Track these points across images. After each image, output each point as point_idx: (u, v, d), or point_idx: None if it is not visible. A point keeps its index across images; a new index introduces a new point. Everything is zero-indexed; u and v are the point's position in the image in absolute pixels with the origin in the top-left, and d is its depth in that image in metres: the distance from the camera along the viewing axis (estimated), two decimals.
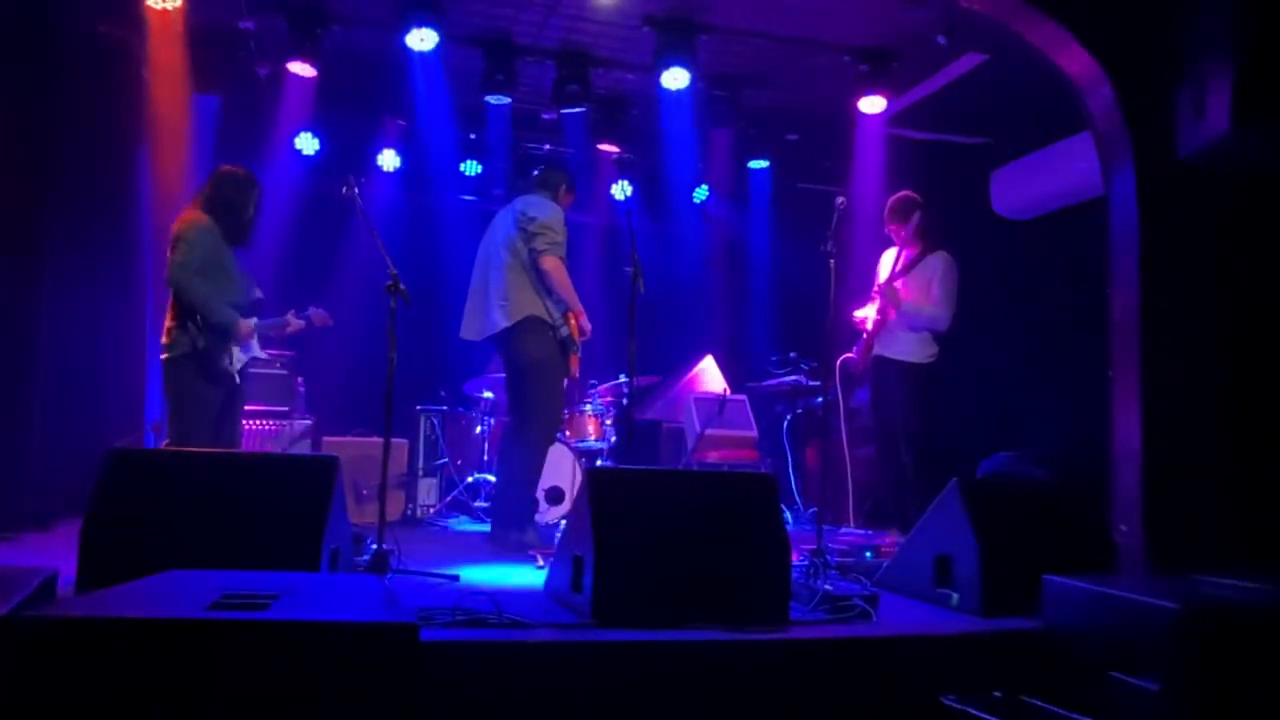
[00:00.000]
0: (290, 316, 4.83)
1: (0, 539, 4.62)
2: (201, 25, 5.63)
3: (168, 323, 4.32)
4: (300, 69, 5.82)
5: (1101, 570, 3.54)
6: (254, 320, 4.54)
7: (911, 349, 5.24)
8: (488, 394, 6.60)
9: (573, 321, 4.83)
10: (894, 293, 5.21)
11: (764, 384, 7.37)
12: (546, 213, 4.82)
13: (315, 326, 4.99)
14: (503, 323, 4.78)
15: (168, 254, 4.30)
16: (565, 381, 4.93)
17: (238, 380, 4.46)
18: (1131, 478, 4.08)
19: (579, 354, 4.93)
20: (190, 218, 4.34)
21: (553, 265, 4.75)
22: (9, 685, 1.79)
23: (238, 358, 4.45)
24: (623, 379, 6.19)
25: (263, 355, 4.83)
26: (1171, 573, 3.61)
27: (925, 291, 5.20)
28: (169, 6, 5.24)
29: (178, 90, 5.92)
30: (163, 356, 4.31)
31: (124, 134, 5.83)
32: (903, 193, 5.47)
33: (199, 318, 4.25)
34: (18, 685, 1.79)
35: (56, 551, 4.16)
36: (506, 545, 4.70)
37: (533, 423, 4.81)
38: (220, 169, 4.62)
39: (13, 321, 4.95)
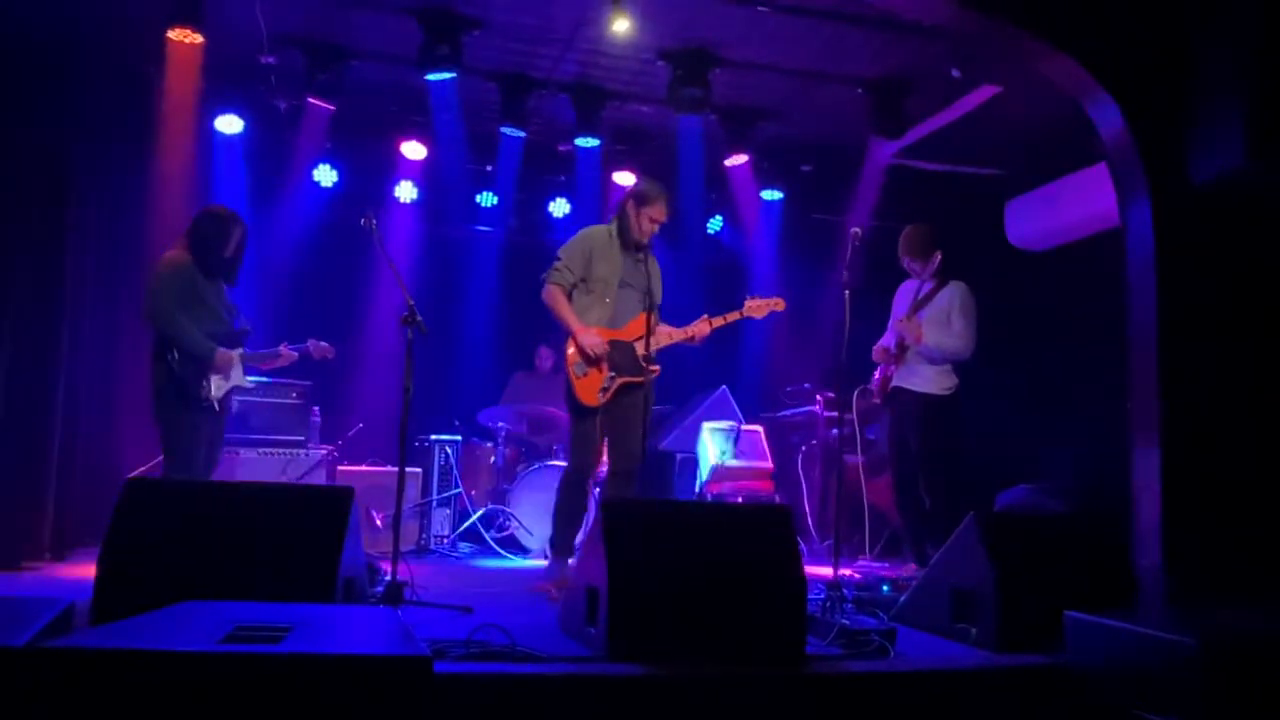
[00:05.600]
0: (282, 348, 4.99)
1: (18, 568, 4.64)
2: (223, 59, 5.73)
3: (150, 355, 4.47)
4: (320, 103, 5.89)
5: (1122, 604, 3.49)
6: (238, 351, 4.70)
7: (931, 381, 5.21)
8: (501, 423, 6.62)
9: (570, 345, 4.63)
10: (915, 326, 5.19)
11: (779, 415, 7.35)
12: (567, 242, 4.81)
13: (315, 359, 5.10)
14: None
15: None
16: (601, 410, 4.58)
17: (217, 409, 4.62)
18: (1152, 510, 4.04)
19: (599, 377, 4.57)
20: (168, 255, 4.57)
21: (545, 294, 4.68)
22: (25, 716, 1.79)
23: (218, 386, 4.59)
24: None
25: (248, 384, 4.99)
26: (1194, 606, 3.56)
27: (945, 323, 5.18)
28: (190, 40, 5.30)
29: (196, 122, 6.02)
30: (152, 386, 4.46)
31: (142, 166, 5.90)
32: (916, 225, 5.46)
33: (174, 349, 4.42)
34: (33, 716, 1.79)
35: (73, 581, 4.19)
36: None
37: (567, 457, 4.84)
38: (204, 208, 4.84)
39: (32, 350, 5.00)
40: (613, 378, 4.63)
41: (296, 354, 5.01)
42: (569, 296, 4.67)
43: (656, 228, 4.73)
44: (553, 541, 4.74)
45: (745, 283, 8.21)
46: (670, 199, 4.76)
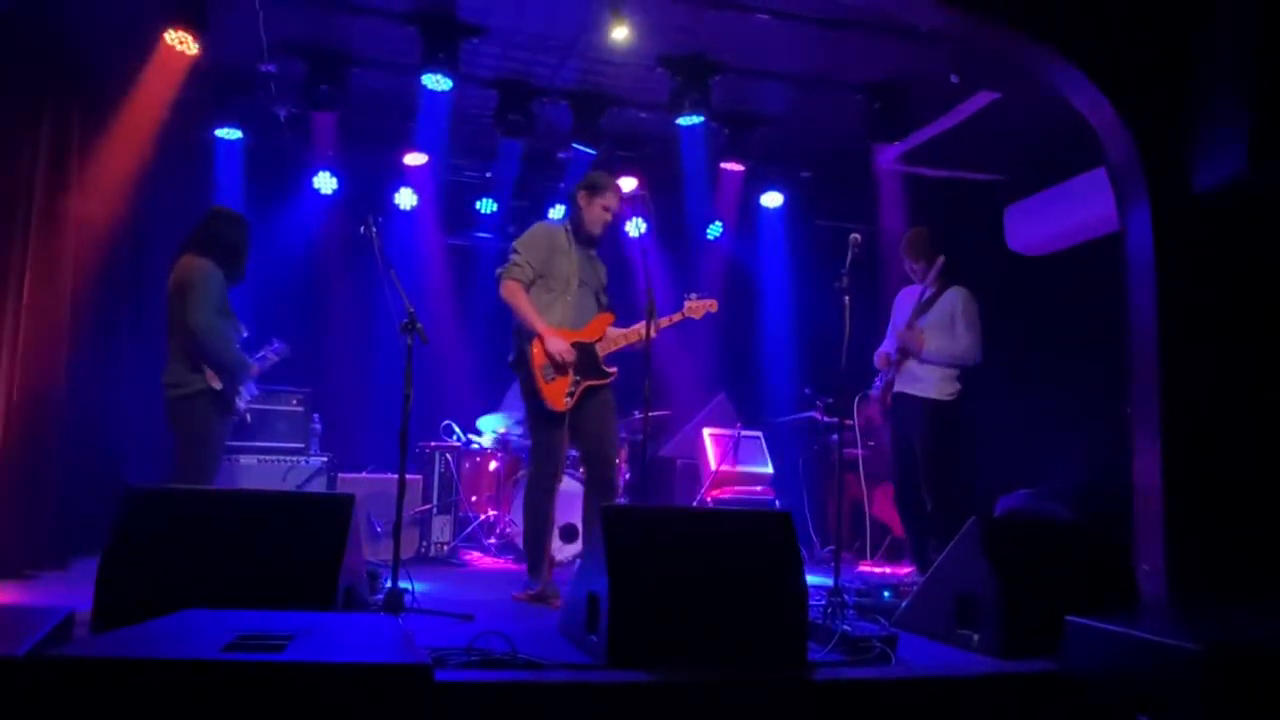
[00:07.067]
0: (268, 353, 5.02)
1: (18, 577, 4.64)
2: (223, 66, 5.73)
3: (176, 362, 4.40)
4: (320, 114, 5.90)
5: (1124, 609, 3.49)
6: (254, 359, 4.74)
7: (934, 386, 5.19)
8: (500, 429, 6.62)
9: (535, 348, 4.39)
10: (917, 335, 5.18)
11: (779, 420, 7.35)
12: (523, 235, 4.63)
13: (278, 360, 5.13)
14: (509, 358, 4.61)
15: (179, 299, 4.38)
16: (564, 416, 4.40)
17: (249, 420, 4.62)
18: (1153, 514, 4.04)
19: (565, 382, 4.40)
20: (197, 263, 4.43)
21: (503, 290, 4.46)
22: None
23: (244, 396, 4.62)
24: (637, 415, 6.18)
25: (254, 392, 4.98)
26: (1195, 611, 3.56)
27: (948, 329, 5.17)
28: (184, 47, 5.21)
29: (194, 130, 5.98)
30: (173, 394, 4.38)
31: (138, 170, 5.87)
32: (919, 227, 5.46)
33: (213, 361, 4.38)
34: None
35: (74, 590, 4.18)
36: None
37: (530, 465, 4.62)
38: (215, 210, 4.78)
39: (35, 356, 4.98)
40: (578, 381, 4.46)
41: (276, 357, 5.04)
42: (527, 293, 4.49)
43: (609, 217, 4.62)
44: (529, 555, 4.54)
45: (746, 287, 8.23)
46: (615, 189, 4.60)
